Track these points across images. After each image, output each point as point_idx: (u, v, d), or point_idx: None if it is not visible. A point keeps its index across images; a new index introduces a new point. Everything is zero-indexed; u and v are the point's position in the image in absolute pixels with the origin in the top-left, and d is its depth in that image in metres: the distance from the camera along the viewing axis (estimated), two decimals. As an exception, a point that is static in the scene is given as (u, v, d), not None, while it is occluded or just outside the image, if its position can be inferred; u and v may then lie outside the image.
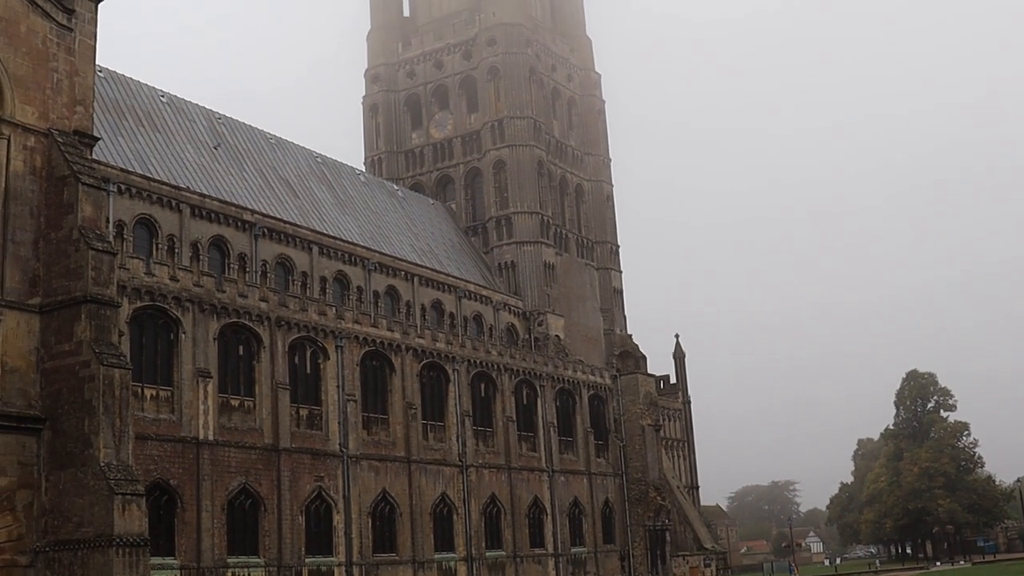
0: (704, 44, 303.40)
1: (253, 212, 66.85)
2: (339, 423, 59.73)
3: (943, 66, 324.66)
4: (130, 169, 59.81)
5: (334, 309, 61.85)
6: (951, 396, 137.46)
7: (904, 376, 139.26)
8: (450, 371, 69.27)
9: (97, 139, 41.40)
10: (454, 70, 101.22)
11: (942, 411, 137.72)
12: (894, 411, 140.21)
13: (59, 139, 37.91)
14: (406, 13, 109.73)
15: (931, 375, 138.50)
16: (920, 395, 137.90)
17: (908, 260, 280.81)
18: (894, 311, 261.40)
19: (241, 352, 55.48)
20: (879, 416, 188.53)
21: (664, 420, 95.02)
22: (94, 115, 41.27)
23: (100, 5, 40.97)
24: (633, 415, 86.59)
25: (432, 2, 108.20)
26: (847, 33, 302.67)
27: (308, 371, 59.30)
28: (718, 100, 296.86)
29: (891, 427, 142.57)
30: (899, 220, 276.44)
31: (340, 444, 59.53)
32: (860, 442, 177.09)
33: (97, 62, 41.17)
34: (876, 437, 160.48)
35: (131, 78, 68.41)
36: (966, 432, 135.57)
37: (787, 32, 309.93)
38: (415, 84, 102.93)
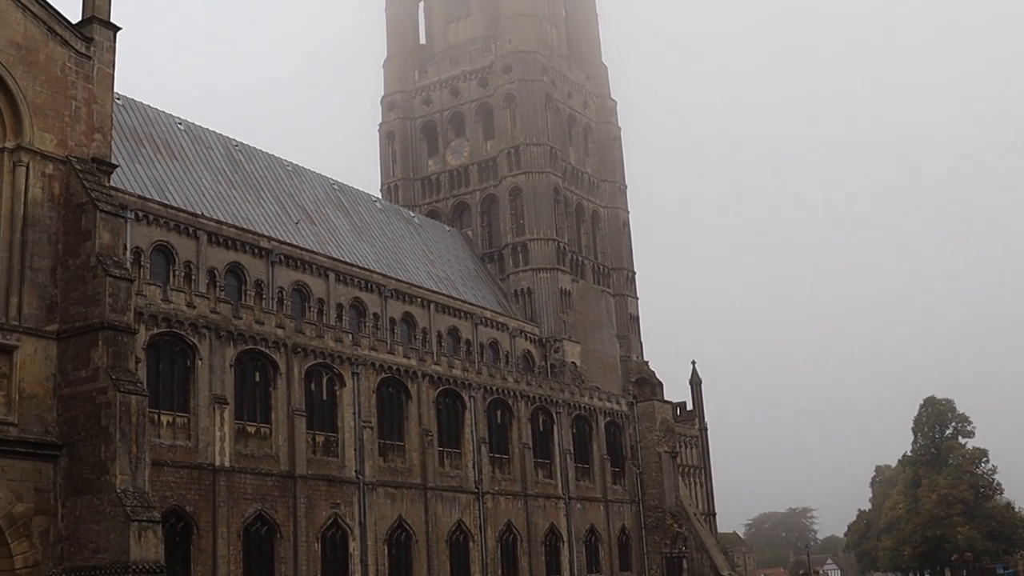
0: (721, 73, 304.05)
1: (270, 239, 67.00)
2: (355, 450, 59.66)
3: None
4: (147, 196, 60.03)
5: (350, 336, 61.87)
6: (969, 423, 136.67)
7: (922, 402, 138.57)
8: (466, 398, 69.18)
9: (115, 166, 41.57)
10: (470, 97, 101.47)
11: (960, 438, 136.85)
12: (912, 438, 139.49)
13: (77, 166, 38.08)
14: (422, 41, 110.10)
15: (949, 401, 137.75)
16: (938, 422, 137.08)
17: (928, 290, 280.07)
18: (912, 337, 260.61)
19: (257, 379, 55.50)
20: (897, 443, 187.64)
21: (681, 447, 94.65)
22: (112, 142, 41.47)
23: (119, 33, 41.21)
24: (650, 442, 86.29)
25: (448, 30, 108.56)
26: (869, 61, 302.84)
27: (324, 398, 59.28)
28: (735, 128, 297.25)
29: (909, 454, 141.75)
30: (922, 254, 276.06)
31: (356, 471, 59.45)
32: (878, 469, 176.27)
33: (115, 89, 41.37)
34: (894, 464, 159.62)
35: (149, 105, 68.73)
36: (984, 459, 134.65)
37: (807, 62, 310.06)
38: (431, 111, 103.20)
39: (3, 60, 37.10)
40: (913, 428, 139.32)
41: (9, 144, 37.20)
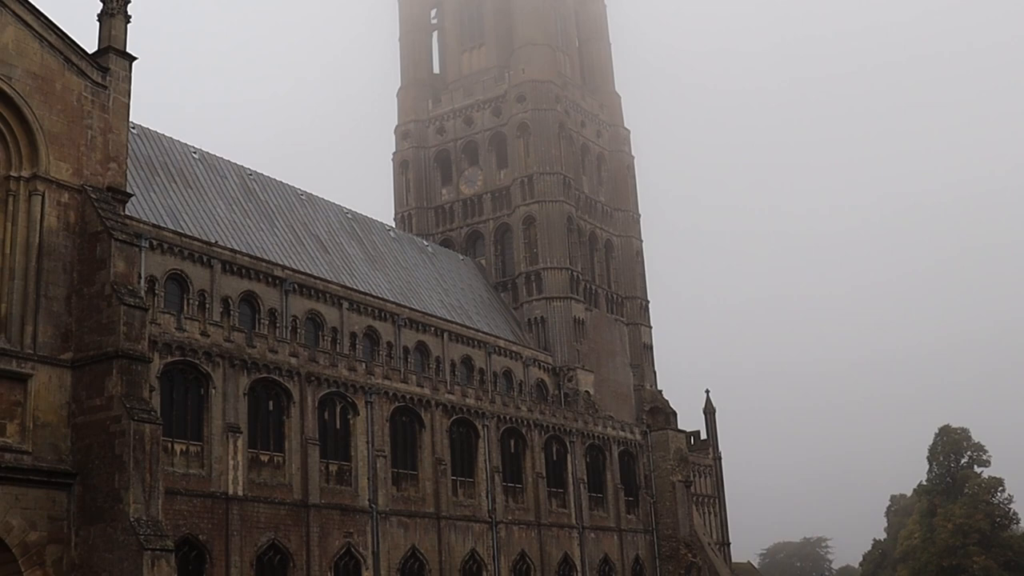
0: (736, 103, 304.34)
1: (284, 268, 67.11)
2: (368, 479, 59.57)
3: None
4: (162, 225, 60.21)
5: (364, 365, 61.88)
6: (985, 452, 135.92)
7: (937, 431, 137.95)
8: (480, 427, 69.08)
9: (130, 195, 41.76)
10: (484, 126, 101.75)
11: (976, 467, 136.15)
12: (927, 467, 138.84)
13: (93, 195, 38.26)
14: (436, 70, 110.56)
15: (964, 430, 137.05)
16: (953, 450, 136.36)
17: (942, 312, 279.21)
18: (926, 364, 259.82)
19: (271, 407, 55.51)
20: (912, 472, 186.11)
21: (695, 476, 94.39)
22: (127, 171, 41.65)
23: (134, 63, 41.47)
24: (664, 471, 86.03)
25: (462, 59, 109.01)
26: (884, 103, 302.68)
27: (338, 426, 59.24)
28: (749, 157, 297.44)
29: (924, 483, 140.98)
30: (934, 274, 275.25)
31: (369, 500, 59.34)
32: (893, 498, 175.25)
33: (130, 119, 41.59)
34: (909, 493, 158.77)
35: (164, 134, 69.02)
36: (1000, 488, 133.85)
37: (824, 90, 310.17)
38: (445, 140, 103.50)
39: (20, 90, 37.36)
40: (928, 457, 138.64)
41: (25, 173, 37.40)
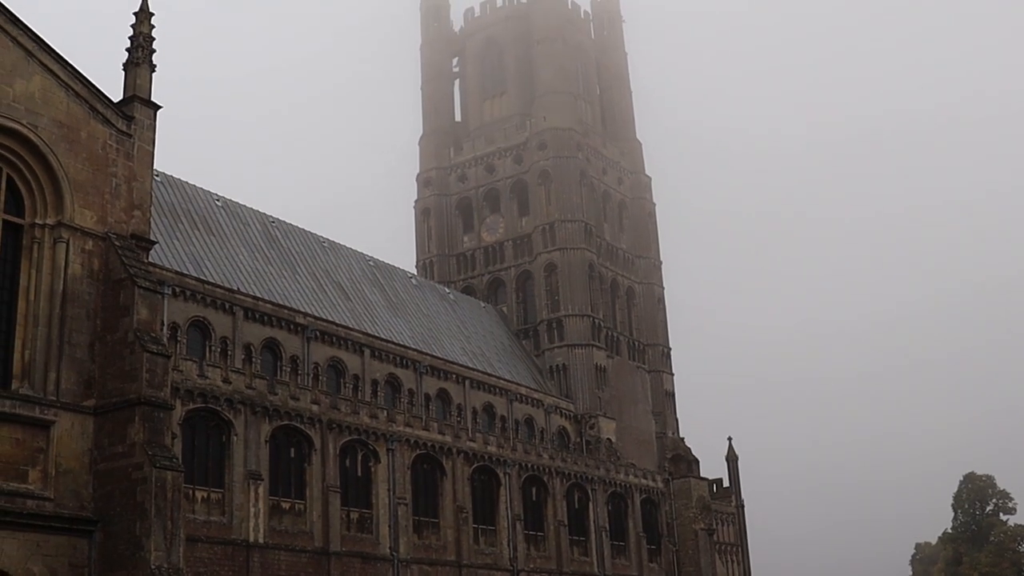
0: (758, 149, 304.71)
1: (306, 315, 67.28)
2: (390, 526, 59.38)
3: None
4: (185, 272, 60.49)
5: (385, 412, 61.85)
6: (1010, 499, 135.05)
7: (962, 479, 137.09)
8: (501, 474, 68.87)
9: (154, 243, 41.96)
10: (505, 174, 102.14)
11: (1001, 514, 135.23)
12: (952, 514, 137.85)
13: (116, 243, 38.44)
14: (458, 118, 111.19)
15: (989, 477, 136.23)
16: (978, 498, 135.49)
17: (968, 365, 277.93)
18: (951, 410, 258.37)
19: (292, 454, 55.46)
20: (937, 519, 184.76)
21: (717, 524, 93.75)
22: (151, 218, 41.86)
23: (159, 112, 41.78)
24: (686, 519, 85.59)
25: (483, 107, 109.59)
26: (915, 151, 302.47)
27: (359, 474, 59.13)
28: (771, 204, 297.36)
29: (949, 530, 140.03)
30: (961, 330, 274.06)
31: (391, 548, 59.10)
32: (918, 546, 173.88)
33: (154, 166, 41.85)
34: (934, 541, 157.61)
35: (187, 182, 69.48)
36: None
37: (845, 136, 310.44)
38: (467, 188, 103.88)
39: (46, 138, 37.64)
40: (953, 504, 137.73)
41: (50, 221, 37.61)
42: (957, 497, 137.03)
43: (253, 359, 62.25)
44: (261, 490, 52.20)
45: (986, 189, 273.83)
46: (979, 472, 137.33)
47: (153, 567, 34.32)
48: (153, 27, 42.37)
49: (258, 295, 65.14)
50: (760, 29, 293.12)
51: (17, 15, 37.82)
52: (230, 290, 62.68)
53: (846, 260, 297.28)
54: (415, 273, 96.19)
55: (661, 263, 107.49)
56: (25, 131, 37.19)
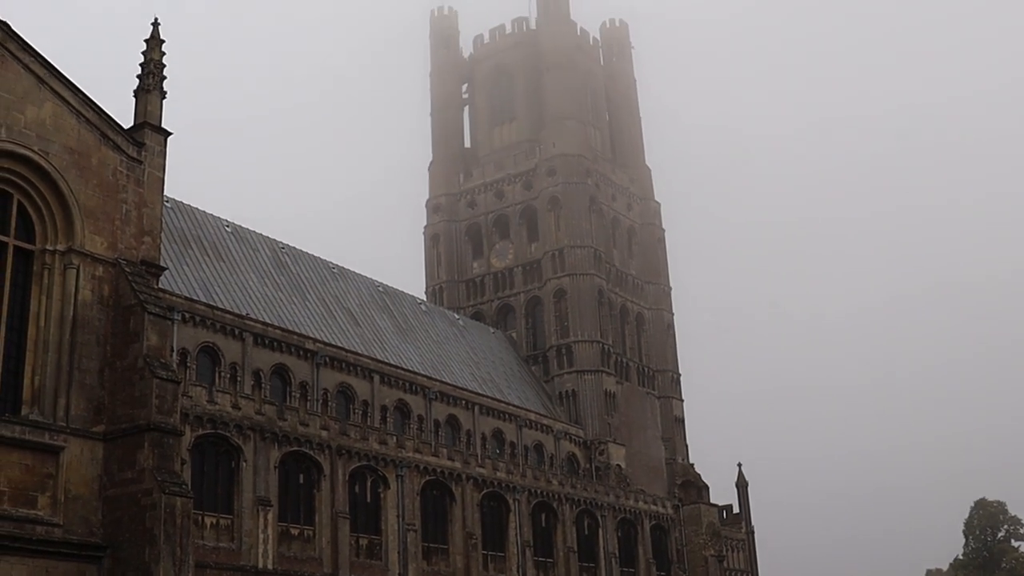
0: (769, 174, 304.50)
1: (315, 341, 67.29)
2: (399, 553, 59.21)
3: None
4: (194, 298, 60.57)
5: (395, 438, 61.78)
6: (1022, 525, 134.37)
7: (972, 504, 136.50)
8: (511, 501, 68.69)
9: (164, 269, 42.12)
10: (515, 200, 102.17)
11: (1013, 540, 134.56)
12: (963, 540, 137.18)
13: (127, 269, 38.57)
14: (467, 144, 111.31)
15: (1000, 503, 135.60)
16: (989, 524, 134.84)
17: (979, 390, 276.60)
18: (963, 436, 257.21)
19: (301, 480, 55.38)
20: (948, 546, 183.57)
21: (728, 550, 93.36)
22: (160, 244, 41.99)
23: (169, 139, 41.96)
24: (696, 546, 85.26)
25: (493, 134, 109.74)
26: (927, 177, 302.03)
27: (368, 500, 59.02)
28: (782, 230, 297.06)
29: (960, 557, 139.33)
30: (972, 357, 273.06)
31: (400, 574, 58.85)
32: (929, 573, 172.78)
33: (164, 192, 42.01)
34: (945, 567, 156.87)
35: (197, 208, 69.63)
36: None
37: (857, 177, 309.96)
38: (476, 214, 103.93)
39: (57, 164, 37.84)
40: (964, 531, 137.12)
41: (61, 247, 37.77)
42: (968, 523, 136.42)
43: (262, 385, 62.24)
44: (270, 516, 52.13)
45: None
46: (990, 498, 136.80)
47: (162, 593, 34.31)
48: (164, 54, 42.66)
49: (268, 321, 65.20)
50: (771, 55, 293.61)
51: (29, 42, 38.08)
52: (240, 316, 62.74)
53: (859, 287, 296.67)
54: (424, 299, 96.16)
55: (671, 289, 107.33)
56: (36, 157, 37.41)
